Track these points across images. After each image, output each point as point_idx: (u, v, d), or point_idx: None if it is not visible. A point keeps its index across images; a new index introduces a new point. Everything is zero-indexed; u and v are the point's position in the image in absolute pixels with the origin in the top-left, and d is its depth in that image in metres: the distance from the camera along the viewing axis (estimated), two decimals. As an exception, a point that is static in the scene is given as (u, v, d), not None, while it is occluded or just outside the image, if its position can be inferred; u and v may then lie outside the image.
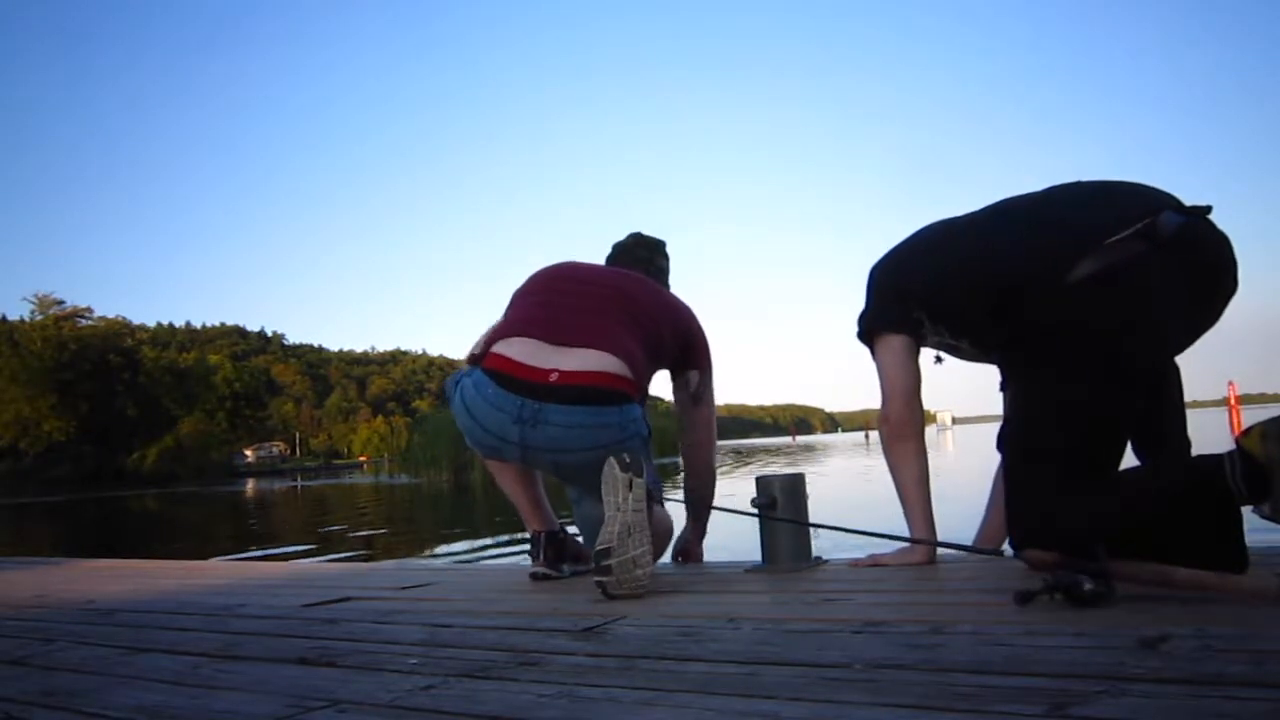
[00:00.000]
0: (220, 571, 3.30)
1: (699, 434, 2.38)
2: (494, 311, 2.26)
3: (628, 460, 1.80)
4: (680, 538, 2.42)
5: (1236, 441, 1.50)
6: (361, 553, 6.15)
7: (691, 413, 2.36)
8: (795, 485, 2.06)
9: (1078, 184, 1.77)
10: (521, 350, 2.01)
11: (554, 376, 1.96)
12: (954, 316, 1.84)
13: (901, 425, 1.94)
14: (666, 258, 2.50)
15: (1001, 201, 1.85)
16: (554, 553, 2.19)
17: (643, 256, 2.43)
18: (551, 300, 2.15)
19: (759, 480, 2.06)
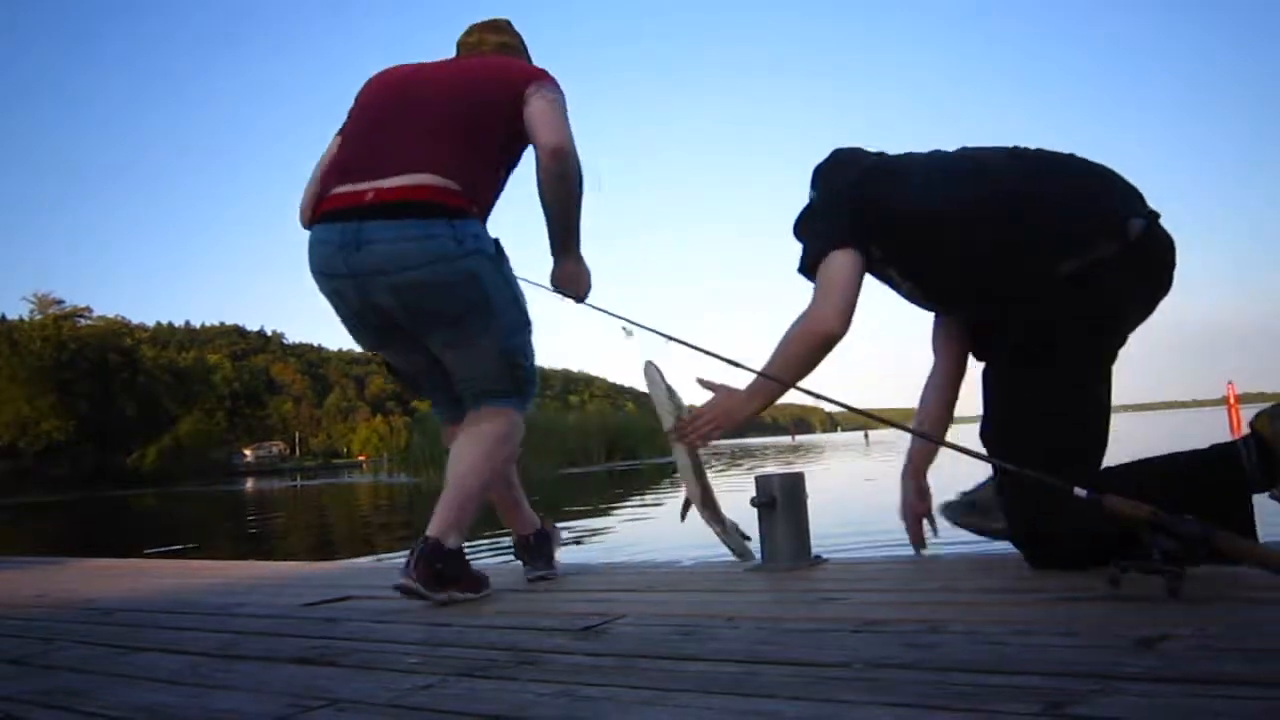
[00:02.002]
0: (220, 571, 3.30)
1: (537, 129, 1.92)
2: None
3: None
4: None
5: (1251, 425, 1.55)
6: (361, 552, 6.15)
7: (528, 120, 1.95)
8: (795, 484, 2.06)
9: (1068, 162, 1.77)
10: (339, 187, 1.89)
11: (370, 195, 1.84)
12: (920, 257, 1.80)
13: (836, 339, 1.79)
14: (511, 34, 2.17)
15: (1001, 161, 1.81)
16: (547, 552, 2.19)
17: (472, 43, 2.15)
18: (369, 131, 1.97)
19: (759, 479, 2.06)
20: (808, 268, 1.83)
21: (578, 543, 5.53)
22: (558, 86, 1.99)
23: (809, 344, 1.81)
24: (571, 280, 2.10)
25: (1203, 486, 1.54)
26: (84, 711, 1.10)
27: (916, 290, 1.87)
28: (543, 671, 1.16)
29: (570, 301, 2.13)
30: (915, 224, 1.78)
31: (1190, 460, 1.62)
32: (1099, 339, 1.68)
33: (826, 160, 1.98)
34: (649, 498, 9.56)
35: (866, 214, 1.81)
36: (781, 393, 1.86)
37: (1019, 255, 1.68)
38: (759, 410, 1.91)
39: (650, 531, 5.86)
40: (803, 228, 1.89)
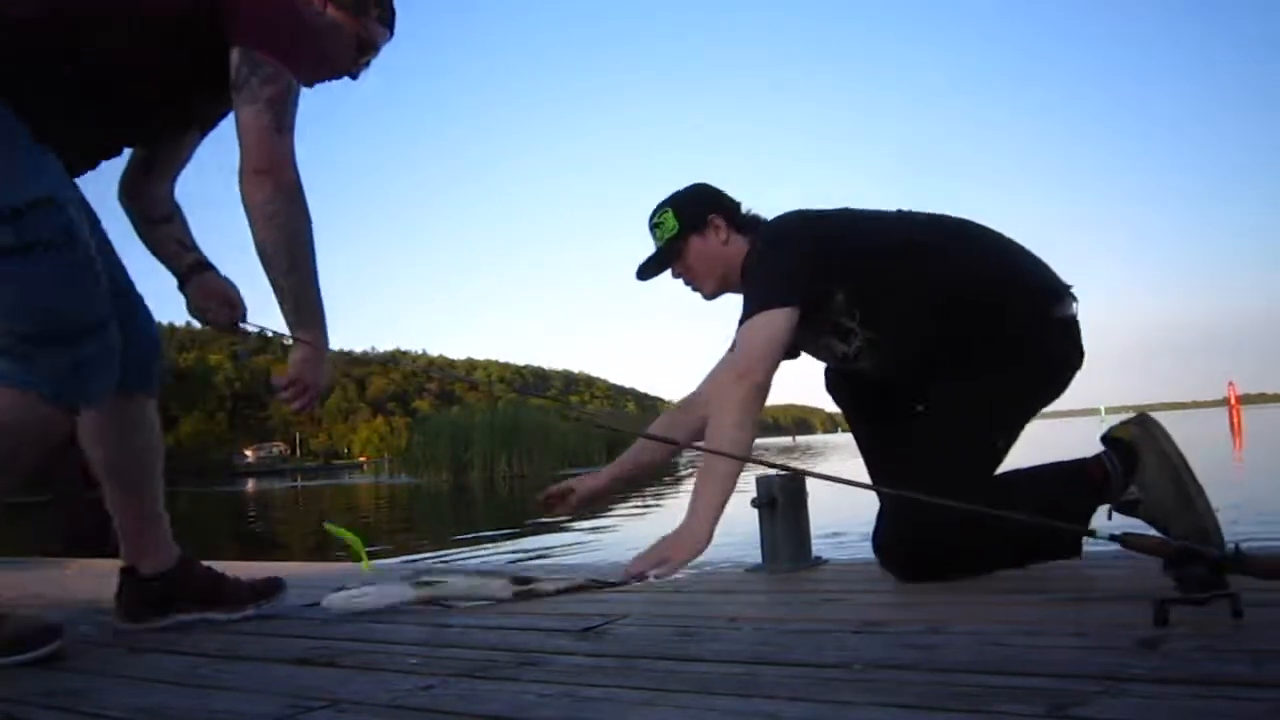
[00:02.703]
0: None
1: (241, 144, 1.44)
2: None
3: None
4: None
5: (1104, 439, 1.74)
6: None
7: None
8: (795, 485, 2.06)
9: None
10: None
11: None
12: (895, 297, 1.76)
13: (763, 392, 1.75)
14: None
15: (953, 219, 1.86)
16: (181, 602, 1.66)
17: None
18: None
19: (759, 480, 2.06)
20: (760, 294, 1.77)
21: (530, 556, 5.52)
22: (282, 62, 1.43)
23: (742, 399, 1.73)
24: (302, 376, 1.60)
25: (1060, 499, 1.63)
26: (84, 711, 1.10)
27: (872, 340, 1.79)
28: (544, 672, 1.16)
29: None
30: (900, 250, 1.78)
31: (1050, 474, 1.72)
32: (1067, 377, 1.77)
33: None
34: (649, 498, 9.55)
35: (834, 252, 1.77)
36: (726, 492, 1.75)
37: (1006, 280, 1.74)
38: (717, 519, 1.75)
39: (651, 532, 5.85)
40: (749, 281, 1.83)
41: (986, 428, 1.71)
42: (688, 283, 1.95)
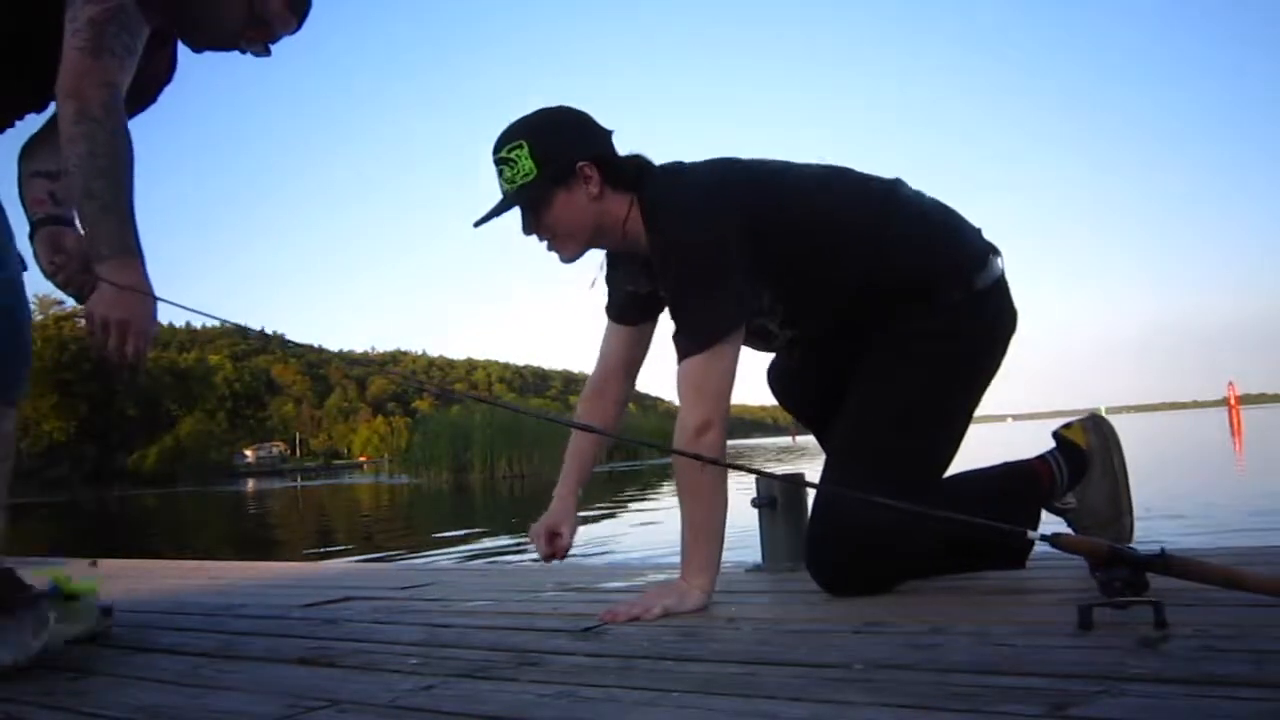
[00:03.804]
0: (220, 571, 3.29)
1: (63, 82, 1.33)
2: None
3: None
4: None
5: (1055, 435, 1.72)
6: (362, 552, 6.15)
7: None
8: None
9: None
10: None
11: None
12: (817, 290, 1.61)
13: (724, 438, 1.53)
14: None
15: (881, 181, 1.68)
16: None
17: None
18: None
19: (759, 480, 2.06)
20: (716, 329, 1.50)
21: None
22: None
23: (710, 457, 1.48)
24: (110, 306, 1.36)
25: (1009, 508, 1.56)
26: (84, 711, 1.10)
27: (792, 340, 1.71)
28: (543, 672, 1.16)
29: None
30: (827, 229, 1.59)
31: (999, 482, 1.67)
32: (1002, 351, 1.68)
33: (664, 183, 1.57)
34: (650, 499, 9.57)
35: (772, 236, 1.54)
36: (719, 541, 1.57)
37: (936, 266, 1.61)
38: (714, 578, 1.55)
39: (651, 532, 5.86)
40: (681, 290, 1.54)
41: (924, 424, 1.60)
42: (542, 239, 1.60)
